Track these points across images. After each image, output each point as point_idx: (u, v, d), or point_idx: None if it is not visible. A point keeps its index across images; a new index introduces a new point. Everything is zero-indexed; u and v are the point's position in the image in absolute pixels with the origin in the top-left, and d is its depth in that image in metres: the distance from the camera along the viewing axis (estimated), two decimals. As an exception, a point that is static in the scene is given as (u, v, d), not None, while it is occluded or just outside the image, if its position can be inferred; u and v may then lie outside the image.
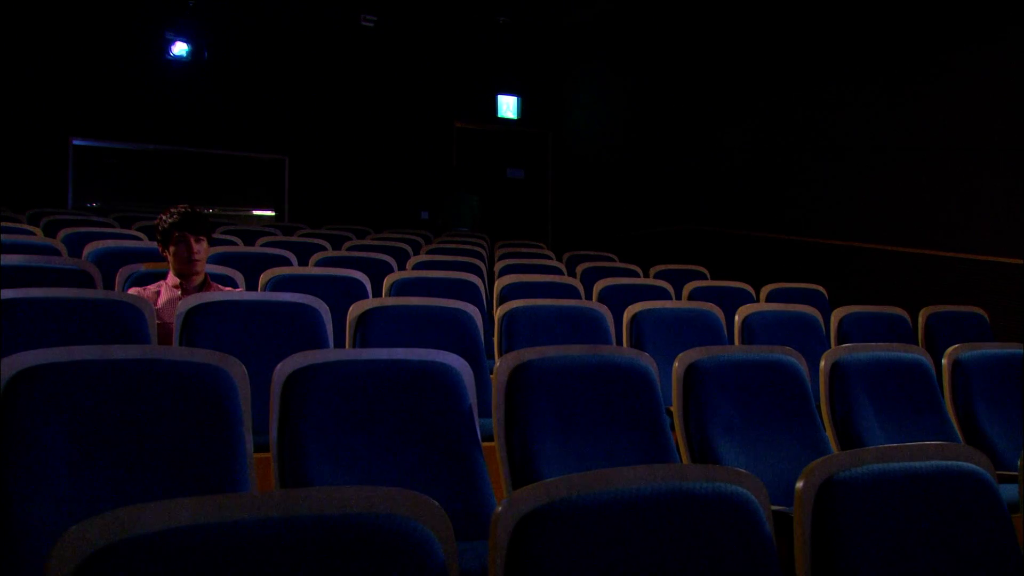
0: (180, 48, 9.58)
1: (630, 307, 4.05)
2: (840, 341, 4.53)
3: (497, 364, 2.52)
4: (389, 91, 10.78)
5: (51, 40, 9.06)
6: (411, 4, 10.21)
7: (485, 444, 2.57)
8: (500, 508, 1.37)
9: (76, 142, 9.31)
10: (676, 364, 2.81)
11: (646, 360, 2.75)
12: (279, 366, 2.27)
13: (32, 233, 5.62)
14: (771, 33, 8.26)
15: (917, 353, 3.33)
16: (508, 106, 11.62)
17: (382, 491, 1.31)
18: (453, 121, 11.29)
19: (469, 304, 3.62)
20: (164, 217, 3.88)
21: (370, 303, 3.42)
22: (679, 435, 2.77)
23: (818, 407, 3.09)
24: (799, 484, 1.65)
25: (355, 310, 3.38)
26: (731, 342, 4.31)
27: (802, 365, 3.04)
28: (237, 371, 2.20)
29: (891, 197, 6.97)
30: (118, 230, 6.09)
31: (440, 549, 1.31)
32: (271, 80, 10.17)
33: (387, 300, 3.55)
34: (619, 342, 4.08)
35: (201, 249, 3.86)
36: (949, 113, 6.52)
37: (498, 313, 3.83)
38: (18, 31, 8.91)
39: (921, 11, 6.81)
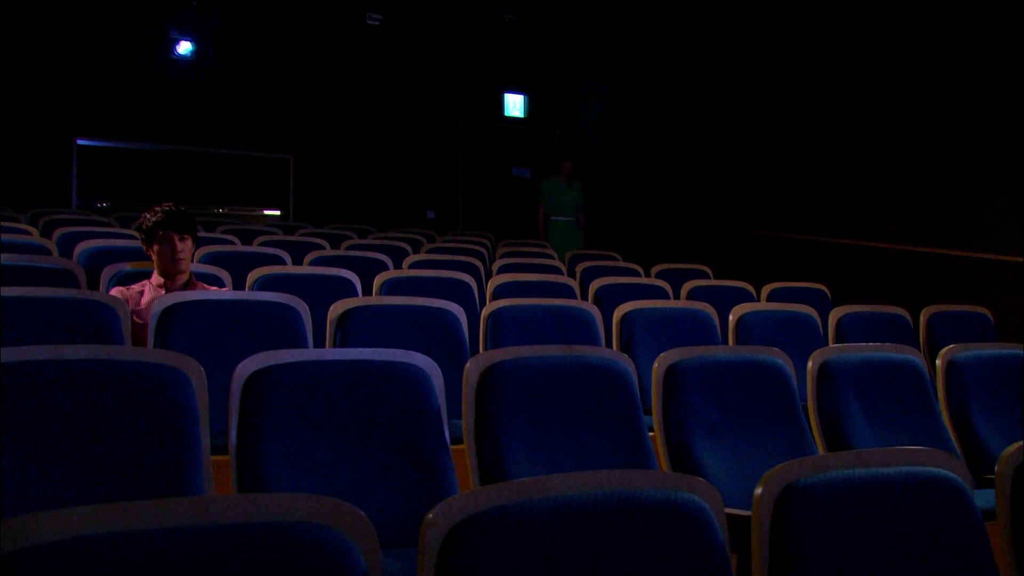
0: (185, 47, 9.55)
1: (620, 307, 3.98)
2: (838, 341, 4.44)
3: (467, 365, 2.46)
4: (394, 89, 10.73)
5: (54, 39, 9.05)
6: (417, 2, 10.16)
7: (457, 447, 2.51)
8: (430, 516, 1.31)
9: (80, 142, 9.30)
10: (656, 365, 2.74)
11: (624, 361, 2.68)
12: (239, 366, 2.21)
13: (28, 232, 5.60)
14: (777, 32, 8.16)
15: (909, 354, 3.25)
16: (515, 104, 11.55)
17: (301, 498, 1.25)
18: (459, 120, 11.23)
19: (453, 304, 3.56)
20: (148, 216, 3.85)
21: (351, 302, 3.36)
22: (658, 437, 2.70)
23: (806, 409, 3.01)
24: (757, 491, 1.58)
25: (335, 310, 3.32)
26: (725, 342, 4.23)
27: (789, 366, 2.96)
28: (195, 372, 2.15)
29: (897, 195, 6.87)
30: (114, 229, 6.07)
31: (362, 559, 1.25)
32: (276, 79, 10.14)
33: (369, 299, 3.50)
34: (608, 342, 4.01)
35: (185, 248, 3.82)
36: (955, 110, 6.41)
37: (484, 313, 3.77)
38: (21, 30, 8.91)
39: (924, 8, 6.70)
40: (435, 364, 2.41)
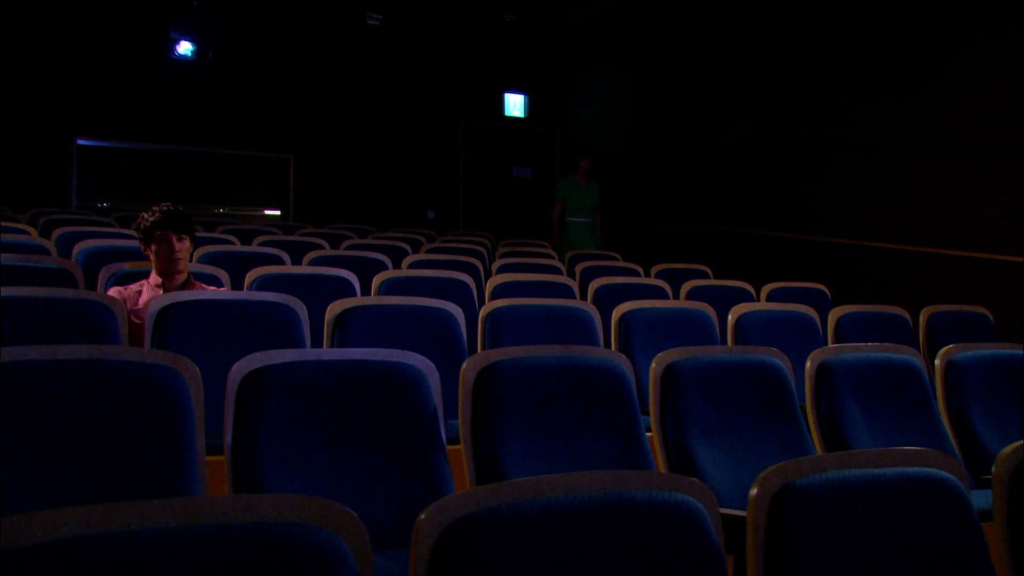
0: (185, 47, 9.56)
1: (619, 307, 3.97)
2: (837, 341, 4.43)
3: (464, 365, 2.45)
4: (395, 89, 10.72)
5: (54, 39, 9.06)
6: (417, 2, 10.16)
7: (454, 447, 2.50)
8: (422, 517, 1.30)
9: (80, 142, 9.30)
10: (653, 365, 2.73)
11: (621, 361, 2.67)
12: (235, 366, 2.21)
13: (26, 232, 5.60)
14: (777, 32, 8.15)
15: (907, 354, 3.24)
16: (515, 104, 11.55)
17: (293, 499, 1.24)
18: (459, 119, 11.22)
19: (451, 304, 3.55)
20: (146, 216, 3.84)
21: (348, 302, 3.35)
22: (655, 438, 2.69)
23: (804, 409, 3.00)
24: (753, 491, 1.58)
25: (333, 310, 3.31)
26: (724, 342, 4.22)
27: (787, 366, 2.95)
28: (190, 372, 2.14)
29: (897, 195, 6.86)
30: (113, 230, 6.06)
31: (353, 560, 1.24)
32: (276, 79, 10.14)
33: (367, 299, 3.49)
34: (607, 342, 4.00)
35: (183, 248, 3.81)
36: (955, 110, 6.40)
37: (482, 313, 3.76)
38: (21, 30, 8.91)
39: (924, 8, 6.69)
40: (432, 364, 2.41)
